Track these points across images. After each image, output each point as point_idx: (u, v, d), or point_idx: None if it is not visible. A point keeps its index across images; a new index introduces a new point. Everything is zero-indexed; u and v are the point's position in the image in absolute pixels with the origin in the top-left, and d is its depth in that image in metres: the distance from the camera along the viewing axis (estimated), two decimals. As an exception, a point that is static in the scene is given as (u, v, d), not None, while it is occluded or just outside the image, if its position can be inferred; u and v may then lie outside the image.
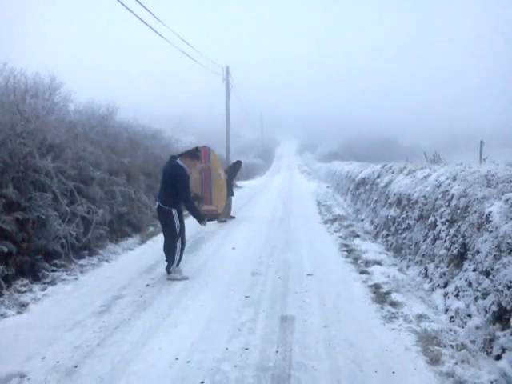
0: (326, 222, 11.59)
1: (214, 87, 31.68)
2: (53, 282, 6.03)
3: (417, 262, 6.77)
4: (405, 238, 7.68)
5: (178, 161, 6.52)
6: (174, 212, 6.40)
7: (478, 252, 4.85)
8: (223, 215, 11.86)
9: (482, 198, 5.26)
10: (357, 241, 8.83)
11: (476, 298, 4.60)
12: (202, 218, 6.82)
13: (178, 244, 6.50)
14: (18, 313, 5.02)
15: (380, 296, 5.53)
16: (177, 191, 6.37)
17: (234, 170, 13.27)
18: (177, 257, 6.49)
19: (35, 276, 6.04)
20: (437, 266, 5.92)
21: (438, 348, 4.00)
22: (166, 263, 6.64)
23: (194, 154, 6.70)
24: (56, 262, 6.55)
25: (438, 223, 6.33)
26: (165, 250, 6.65)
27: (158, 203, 6.55)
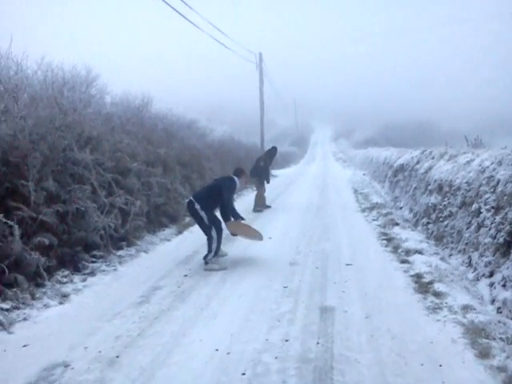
0: (363, 211, 11.39)
1: (248, 74, 31.54)
2: (93, 273, 6.11)
3: (460, 251, 6.55)
4: (446, 226, 7.44)
5: (235, 178, 7.08)
6: (198, 206, 6.58)
7: (527, 240, 4.64)
8: (259, 205, 11.95)
9: (531, 183, 5.03)
10: (396, 229, 8.63)
11: (525, 288, 4.41)
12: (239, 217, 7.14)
13: (214, 234, 6.58)
14: (60, 303, 5.12)
15: (422, 286, 5.37)
16: (223, 199, 6.76)
17: (270, 157, 13.08)
18: (213, 246, 6.55)
19: (76, 267, 6.14)
20: (481, 255, 5.70)
21: (486, 341, 3.84)
22: (203, 253, 6.73)
23: (241, 170, 7.47)
24: (95, 253, 6.65)
25: (482, 210, 6.09)
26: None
27: (190, 198, 6.75)
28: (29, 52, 8.90)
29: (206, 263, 6.54)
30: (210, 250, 6.54)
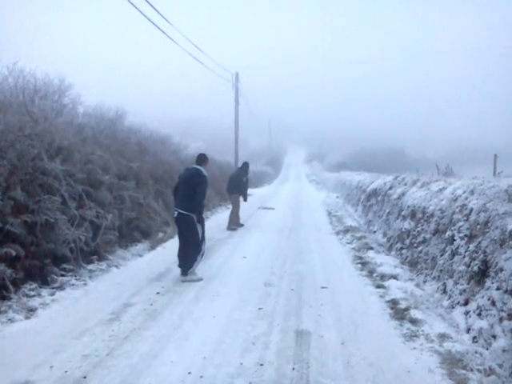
0: (337, 233, 11.40)
1: (224, 93, 31.72)
2: (61, 287, 5.89)
3: (434, 278, 6.57)
4: (420, 252, 7.48)
5: (199, 167, 6.89)
6: (195, 217, 6.65)
7: (501, 270, 4.66)
8: (233, 223, 11.83)
9: (504, 214, 5.08)
10: (370, 253, 8.63)
11: (501, 319, 4.40)
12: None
13: (203, 246, 6.85)
14: (26, 318, 4.90)
15: (398, 312, 5.33)
16: (197, 196, 6.62)
17: (247, 173, 12.88)
18: (199, 258, 6.73)
19: (44, 280, 5.91)
20: (456, 283, 5.71)
21: (464, 372, 3.80)
22: (176, 270, 6.74)
23: (206, 157, 7.12)
24: (65, 266, 6.42)
25: (455, 238, 6.13)
26: (181, 256, 6.77)
27: (177, 212, 6.67)
28: (0, 57, 8.70)
29: (186, 274, 6.55)
30: (192, 263, 6.63)
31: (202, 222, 6.87)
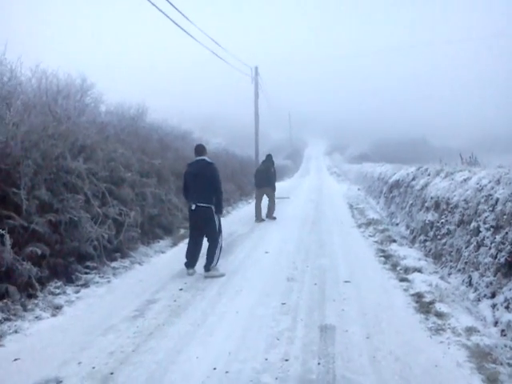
0: (359, 226, 11.30)
1: (243, 87, 31.61)
2: (86, 285, 5.98)
3: (459, 270, 6.45)
4: (445, 244, 7.36)
5: (207, 159, 6.93)
6: (213, 208, 6.70)
7: (530, 261, 4.56)
8: (271, 213, 12.51)
9: (533, 204, 4.96)
10: (394, 246, 8.53)
11: (530, 311, 4.31)
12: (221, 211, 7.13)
13: (220, 240, 6.88)
14: (53, 315, 4.97)
15: (423, 306, 5.24)
16: (216, 187, 6.74)
17: (273, 164, 13.16)
18: (217, 252, 6.74)
19: (69, 278, 6.00)
20: (482, 275, 5.60)
21: (493, 365, 3.72)
22: (198, 267, 6.78)
23: (204, 147, 7.12)
24: (89, 264, 6.50)
25: (481, 229, 6.01)
26: (192, 252, 6.83)
27: (194, 205, 6.63)
28: (23, 59, 8.84)
29: (209, 270, 6.58)
30: (212, 258, 6.64)
31: (220, 212, 6.95)
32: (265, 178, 12.57)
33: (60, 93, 11.18)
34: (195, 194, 6.69)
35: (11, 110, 6.81)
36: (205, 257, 6.71)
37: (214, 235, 6.76)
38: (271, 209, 12.59)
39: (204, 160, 6.89)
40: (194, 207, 6.67)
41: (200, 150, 7.02)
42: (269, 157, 13.18)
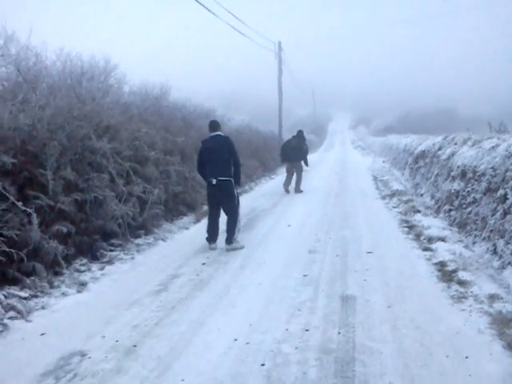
0: (383, 198, 11.20)
1: (266, 63, 31.35)
2: (110, 262, 6.10)
3: (484, 239, 6.35)
4: (470, 213, 7.23)
5: (222, 134, 7.02)
6: (233, 182, 6.80)
7: (556, 226, 4.45)
8: (299, 188, 12.87)
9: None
10: (418, 216, 8.44)
11: (555, 277, 4.23)
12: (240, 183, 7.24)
13: (240, 211, 7.02)
14: (78, 291, 5.09)
15: (446, 274, 5.20)
16: (235, 160, 6.85)
17: (305, 140, 13.73)
18: (238, 225, 6.85)
19: (93, 256, 6.13)
20: (507, 243, 5.50)
21: (515, 331, 3.69)
22: (220, 241, 6.87)
23: (218, 123, 7.23)
24: (113, 241, 6.63)
25: (508, 196, 5.87)
26: (213, 227, 6.91)
27: (215, 180, 6.68)
28: (48, 43, 8.95)
29: (231, 243, 6.68)
30: (233, 231, 6.73)
31: (239, 184, 7.06)
32: (297, 153, 12.99)
33: (84, 75, 11.31)
34: (215, 169, 6.73)
35: (37, 93, 6.94)
36: (225, 230, 6.81)
37: (234, 208, 6.85)
38: (299, 183, 12.91)
39: (220, 135, 6.94)
40: (215, 182, 6.71)
41: (215, 125, 7.06)
42: (300, 133, 13.47)
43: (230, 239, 6.74)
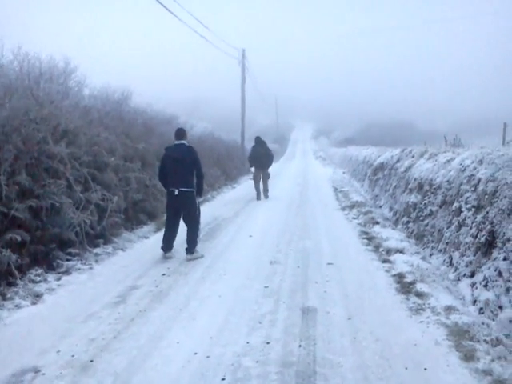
0: (343, 209, 11.36)
1: (230, 71, 31.41)
2: (67, 272, 5.91)
3: (440, 250, 6.53)
4: (427, 225, 7.43)
5: (186, 143, 6.97)
6: (195, 192, 6.80)
7: (508, 240, 4.61)
8: (267, 191, 13.64)
9: (513, 183, 5.00)
10: (377, 228, 8.60)
11: (508, 289, 4.38)
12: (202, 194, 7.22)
13: (199, 221, 6.98)
14: (33, 303, 4.90)
15: (405, 286, 5.31)
16: (198, 171, 6.84)
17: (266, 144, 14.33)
18: (199, 234, 6.86)
19: (50, 265, 5.92)
20: (462, 255, 5.67)
21: (471, 343, 3.78)
22: (182, 251, 6.77)
23: (185, 131, 7.17)
24: (70, 250, 6.41)
25: (463, 209, 6.07)
26: (170, 236, 6.85)
27: (177, 190, 6.64)
28: (4, 42, 8.65)
29: (192, 253, 6.64)
30: (194, 241, 6.71)
31: (201, 194, 7.05)
32: (267, 161, 13.72)
33: (42, 76, 10.99)
34: (177, 179, 6.68)
35: (-9, 93, 6.68)
36: (185, 241, 6.78)
37: (195, 218, 6.83)
38: (267, 188, 13.68)
39: (184, 144, 6.91)
40: (177, 192, 6.65)
41: (181, 134, 7.00)
42: (258, 139, 14.15)
43: (191, 249, 6.69)
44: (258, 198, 13.43)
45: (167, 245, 6.83)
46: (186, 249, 6.70)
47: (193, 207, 6.78)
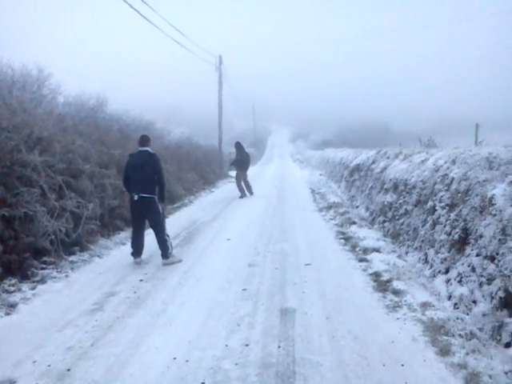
0: (321, 210, 11.42)
1: (207, 77, 31.31)
2: (43, 281, 5.81)
3: (416, 248, 6.63)
4: (402, 224, 7.53)
5: (150, 150, 6.94)
6: (156, 198, 6.75)
7: (480, 236, 4.71)
8: (250, 189, 15.14)
9: (484, 181, 5.12)
10: (353, 228, 8.67)
11: (481, 284, 4.45)
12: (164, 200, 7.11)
13: (165, 225, 6.97)
14: (7, 314, 4.82)
15: (381, 284, 5.38)
16: (159, 177, 6.77)
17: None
18: (168, 239, 6.82)
19: (24, 275, 5.81)
20: (437, 252, 5.77)
21: (446, 338, 3.86)
22: (158, 257, 6.81)
23: (149, 138, 7.17)
24: (45, 259, 6.32)
25: (437, 208, 6.17)
26: (137, 241, 6.87)
27: (137, 196, 6.64)
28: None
29: (167, 257, 6.64)
30: (165, 245, 6.71)
31: (163, 200, 6.95)
32: (246, 163, 15.33)
33: (15, 84, 10.85)
34: (138, 185, 6.69)
35: (-40, 101, 6.57)
36: (158, 247, 6.79)
37: (159, 223, 6.82)
38: (249, 186, 15.17)
39: (147, 151, 6.89)
40: (136, 198, 6.67)
41: (144, 140, 7.01)
42: (238, 144, 15.75)
43: (165, 254, 6.69)
44: (243, 195, 14.78)
45: (136, 250, 6.83)
46: (161, 254, 6.71)
47: (155, 213, 6.75)
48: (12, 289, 5.39)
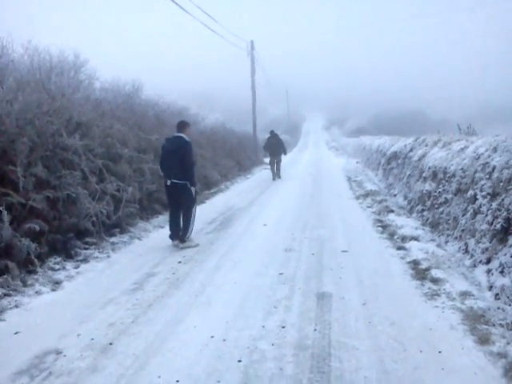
0: (357, 198, 11.33)
1: (240, 62, 31.27)
2: (85, 260, 6.02)
3: (456, 238, 6.50)
4: (442, 213, 7.39)
5: (184, 136, 6.91)
6: (188, 184, 6.79)
7: (525, 226, 4.59)
8: (279, 173, 16.67)
9: (528, 169, 4.97)
10: (391, 216, 8.57)
11: (524, 275, 4.36)
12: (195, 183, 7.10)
13: (195, 211, 7.06)
14: (53, 290, 5.02)
15: (420, 272, 5.30)
16: (190, 165, 6.78)
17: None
18: (192, 224, 6.92)
19: (68, 254, 6.03)
20: (478, 242, 5.65)
21: (486, 327, 3.79)
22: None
23: (187, 123, 7.19)
24: (88, 239, 6.54)
25: (478, 197, 6.03)
26: (174, 224, 6.96)
27: (169, 181, 6.76)
28: (14, 35, 8.72)
29: (184, 241, 6.77)
30: (187, 229, 6.83)
31: (194, 185, 6.98)
32: (278, 149, 16.75)
33: (53, 70, 11.04)
34: (170, 170, 6.80)
35: (4, 87, 6.75)
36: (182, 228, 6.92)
37: (188, 208, 6.89)
38: (279, 170, 16.71)
39: (181, 138, 6.88)
40: (169, 183, 6.79)
41: (181, 126, 7.05)
42: (273, 132, 17.33)
43: (182, 238, 6.82)
44: (274, 178, 16.37)
45: (173, 233, 6.93)
46: (179, 237, 6.85)
47: (186, 198, 6.83)
48: (57, 267, 5.61)
